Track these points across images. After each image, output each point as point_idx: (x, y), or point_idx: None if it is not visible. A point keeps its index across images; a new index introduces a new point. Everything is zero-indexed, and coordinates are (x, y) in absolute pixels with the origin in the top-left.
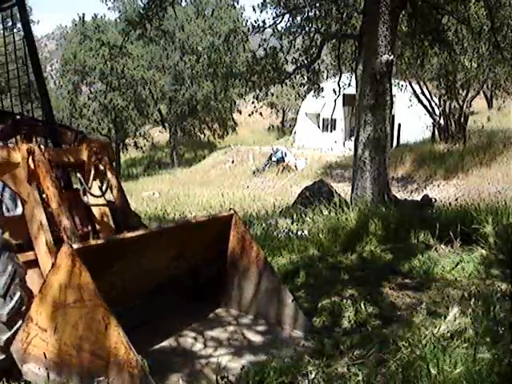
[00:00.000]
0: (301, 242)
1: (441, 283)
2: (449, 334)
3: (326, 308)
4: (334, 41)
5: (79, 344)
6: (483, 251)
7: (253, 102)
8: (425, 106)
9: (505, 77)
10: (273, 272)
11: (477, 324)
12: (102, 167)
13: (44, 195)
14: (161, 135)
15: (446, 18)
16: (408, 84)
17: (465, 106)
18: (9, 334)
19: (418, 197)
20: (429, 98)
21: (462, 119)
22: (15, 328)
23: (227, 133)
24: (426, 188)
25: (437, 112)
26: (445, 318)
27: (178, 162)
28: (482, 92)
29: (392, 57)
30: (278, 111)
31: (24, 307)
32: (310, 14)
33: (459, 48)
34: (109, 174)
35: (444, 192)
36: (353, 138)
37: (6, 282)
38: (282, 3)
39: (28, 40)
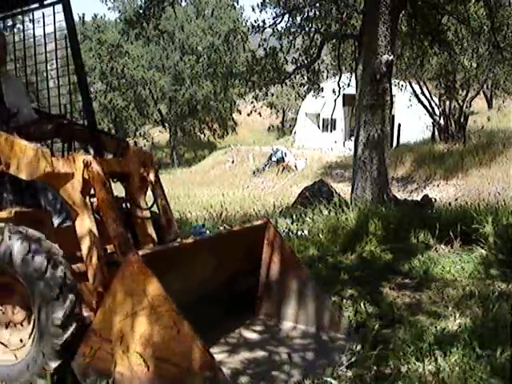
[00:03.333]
0: (301, 242)
1: (440, 283)
2: (448, 334)
3: None
4: (334, 41)
5: (149, 352)
6: (483, 251)
7: (252, 102)
8: (425, 106)
9: (504, 77)
10: (307, 276)
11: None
12: (150, 178)
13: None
14: (161, 135)
15: (446, 18)
16: (408, 84)
17: (465, 106)
18: (64, 337)
19: (417, 197)
20: (429, 97)
21: (462, 119)
22: (69, 332)
23: (227, 133)
24: (425, 188)
25: (437, 112)
26: (444, 317)
27: (178, 162)
28: (481, 92)
29: (392, 57)
30: (277, 111)
31: (76, 310)
32: (309, 14)
33: (459, 48)
34: (156, 187)
35: (444, 192)
36: (353, 138)
37: (58, 284)
38: (281, 3)
39: (71, 40)
